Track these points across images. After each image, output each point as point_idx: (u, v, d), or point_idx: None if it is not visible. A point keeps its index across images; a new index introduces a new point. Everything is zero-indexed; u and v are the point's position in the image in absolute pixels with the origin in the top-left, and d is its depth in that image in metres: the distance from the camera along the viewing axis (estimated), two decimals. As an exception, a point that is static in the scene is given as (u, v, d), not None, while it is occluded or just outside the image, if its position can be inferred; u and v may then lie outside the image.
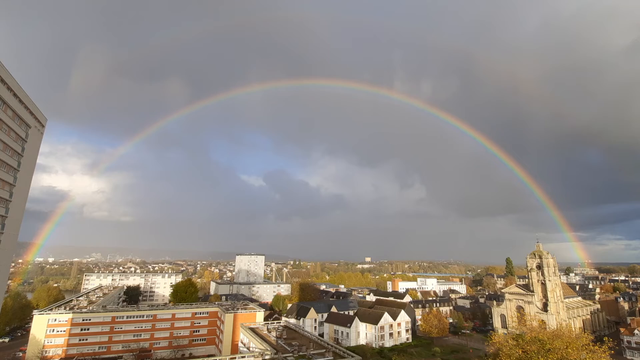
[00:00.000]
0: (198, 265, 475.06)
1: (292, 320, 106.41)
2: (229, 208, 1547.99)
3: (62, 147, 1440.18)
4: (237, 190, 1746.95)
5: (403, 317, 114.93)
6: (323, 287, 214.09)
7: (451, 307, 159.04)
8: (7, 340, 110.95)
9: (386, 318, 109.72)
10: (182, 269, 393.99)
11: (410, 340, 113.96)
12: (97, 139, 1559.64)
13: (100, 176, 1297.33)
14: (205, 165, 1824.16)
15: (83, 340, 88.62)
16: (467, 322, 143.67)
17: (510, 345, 60.85)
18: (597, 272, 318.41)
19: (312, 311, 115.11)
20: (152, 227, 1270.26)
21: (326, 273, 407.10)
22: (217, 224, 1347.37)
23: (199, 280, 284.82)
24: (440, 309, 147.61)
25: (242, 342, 77.41)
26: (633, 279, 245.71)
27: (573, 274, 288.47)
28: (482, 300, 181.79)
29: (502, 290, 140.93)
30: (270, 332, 75.58)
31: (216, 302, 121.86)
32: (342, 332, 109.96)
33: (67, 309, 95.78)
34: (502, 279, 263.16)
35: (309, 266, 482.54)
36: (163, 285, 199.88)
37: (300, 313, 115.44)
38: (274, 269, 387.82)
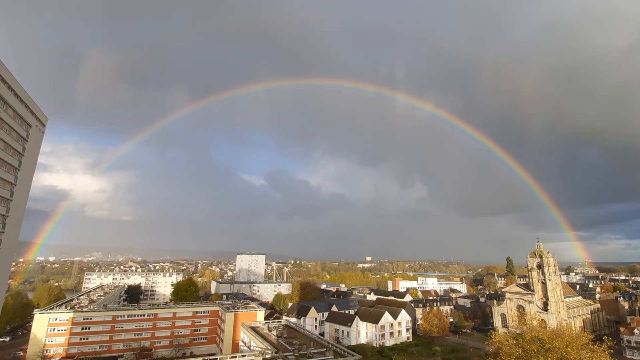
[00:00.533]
0: (199, 265, 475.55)
1: (293, 320, 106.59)
2: (230, 207, 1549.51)
3: (64, 146, 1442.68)
4: (238, 189, 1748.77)
5: (403, 316, 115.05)
6: (324, 286, 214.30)
7: (452, 307, 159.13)
8: (7, 339, 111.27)
9: (387, 317, 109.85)
10: (183, 268, 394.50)
11: (410, 339, 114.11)
12: (99, 138, 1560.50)
13: (102, 175, 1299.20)
14: (207, 165, 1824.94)
15: (84, 339, 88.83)
16: (468, 321, 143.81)
17: (510, 344, 60.93)
18: (597, 272, 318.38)
19: (312, 310, 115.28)
20: (153, 226, 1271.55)
21: (327, 272, 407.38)
22: (218, 223, 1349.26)
23: (199, 279, 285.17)
24: (441, 308, 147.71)
25: (242, 341, 77.56)
26: (633, 278, 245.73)
27: (573, 274, 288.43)
28: (482, 299, 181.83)
29: (503, 290, 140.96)
30: (271, 331, 75.71)
31: (217, 301, 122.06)
32: (342, 331, 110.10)
33: (68, 308, 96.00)
34: (502, 278, 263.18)
35: (309, 265, 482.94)
36: (164, 285, 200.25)
37: (301, 312, 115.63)
38: (274, 268, 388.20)
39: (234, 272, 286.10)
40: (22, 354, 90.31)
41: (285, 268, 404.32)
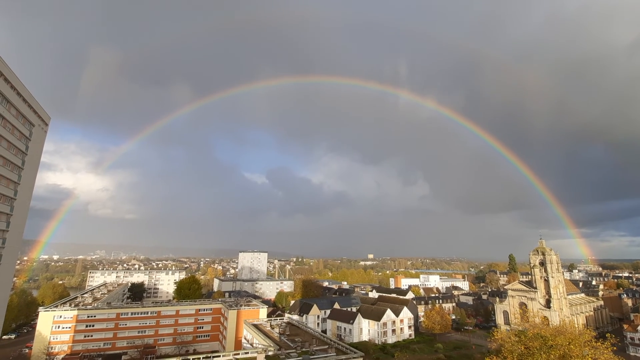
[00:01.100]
0: (201, 262, 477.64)
1: (295, 317, 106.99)
2: (232, 205, 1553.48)
3: (67, 145, 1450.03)
4: (240, 187, 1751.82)
5: (405, 313, 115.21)
6: (326, 283, 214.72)
7: (454, 304, 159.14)
8: (13, 336, 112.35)
9: (389, 314, 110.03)
10: (186, 266, 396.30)
11: (412, 336, 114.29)
12: (101, 137, 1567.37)
13: (105, 174, 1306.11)
14: (209, 163, 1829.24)
15: (88, 336, 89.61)
16: (470, 318, 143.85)
17: (512, 341, 60.82)
18: (600, 269, 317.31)
19: (315, 308, 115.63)
20: (156, 224, 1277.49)
21: (329, 270, 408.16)
22: (221, 221, 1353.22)
23: (202, 277, 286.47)
24: (443, 305, 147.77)
25: (245, 339, 77.98)
26: (637, 275, 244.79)
27: (576, 271, 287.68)
28: (484, 296, 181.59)
29: (505, 287, 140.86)
30: (273, 328, 76.06)
31: (219, 299, 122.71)
32: (344, 328, 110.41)
33: (72, 305, 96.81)
34: (505, 275, 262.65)
35: (311, 263, 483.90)
36: (167, 282, 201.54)
37: (303, 309, 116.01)
38: (276, 266, 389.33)
39: (237, 270, 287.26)
40: (27, 351, 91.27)
41: (287, 266, 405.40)
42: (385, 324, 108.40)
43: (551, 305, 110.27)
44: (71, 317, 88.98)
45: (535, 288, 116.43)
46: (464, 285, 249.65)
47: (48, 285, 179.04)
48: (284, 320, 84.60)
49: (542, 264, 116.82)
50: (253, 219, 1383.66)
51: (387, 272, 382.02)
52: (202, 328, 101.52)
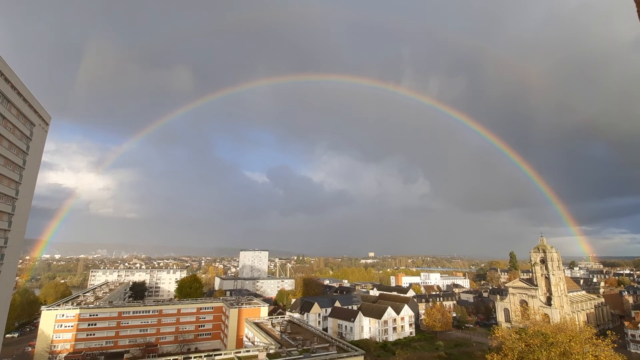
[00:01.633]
0: (202, 261, 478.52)
1: (296, 315, 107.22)
2: (233, 204, 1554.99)
3: (68, 145, 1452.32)
4: (240, 186, 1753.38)
5: (406, 311, 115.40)
6: (326, 282, 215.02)
7: (454, 302, 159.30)
8: (16, 335, 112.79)
9: (389, 312, 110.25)
10: (187, 264, 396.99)
11: (413, 334, 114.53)
12: (102, 136, 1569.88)
13: (106, 173, 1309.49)
14: (209, 162, 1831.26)
15: (90, 335, 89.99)
16: (471, 316, 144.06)
17: (513, 339, 60.97)
18: (601, 266, 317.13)
19: (315, 306, 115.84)
20: (157, 223, 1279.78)
21: (330, 268, 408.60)
22: (221, 220, 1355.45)
23: (203, 275, 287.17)
24: (444, 303, 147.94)
25: (246, 337, 78.27)
26: (638, 272, 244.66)
27: (577, 268, 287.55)
28: (485, 294, 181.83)
29: (506, 285, 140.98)
30: (274, 326, 76.31)
31: (221, 298, 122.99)
32: (345, 326, 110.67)
33: (75, 304, 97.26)
34: (505, 273, 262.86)
35: (312, 261, 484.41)
36: (168, 281, 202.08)
37: (304, 308, 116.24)
38: (277, 264, 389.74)
39: (238, 268, 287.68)
40: (30, 349, 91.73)
41: (288, 264, 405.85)
42: (386, 322, 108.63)
43: (552, 302, 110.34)
44: (73, 316, 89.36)
45: (536, 285, 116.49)
46: (465, 283, 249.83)
47: (50, 285, 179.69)
48: (285, 319, 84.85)
49: (543, 261, 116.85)
50: (254, 218, 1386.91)
51: (388, 270, 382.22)
52: (204, 326, 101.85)
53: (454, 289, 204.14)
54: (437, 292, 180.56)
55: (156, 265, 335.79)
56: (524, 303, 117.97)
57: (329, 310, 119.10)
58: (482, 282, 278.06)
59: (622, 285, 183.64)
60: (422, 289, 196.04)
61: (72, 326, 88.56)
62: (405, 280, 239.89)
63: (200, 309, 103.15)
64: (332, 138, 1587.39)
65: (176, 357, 53.48)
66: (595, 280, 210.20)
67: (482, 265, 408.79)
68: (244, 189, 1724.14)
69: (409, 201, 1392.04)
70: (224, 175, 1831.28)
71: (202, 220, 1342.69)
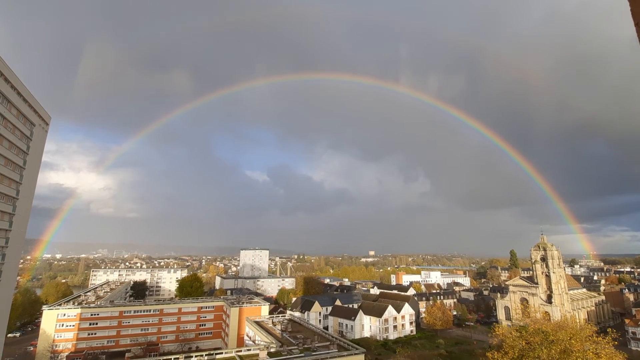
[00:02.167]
0: (203, 260, 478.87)
1: (297, 314, 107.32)
2: (234, 203, 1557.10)
3: (68, 144, 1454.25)
4: (241, 185, 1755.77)
5: (407, 309, 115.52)
6: (327, 280, 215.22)
7: (455, 300, 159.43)
8: (17, 335, 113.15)
9: (390, 311, 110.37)
10: (188, 264, 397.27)
11: (414, 332, 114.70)
12: (103, 136, 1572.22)
13: (106, 173, 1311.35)
14: (210, 161, 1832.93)
15: (92, 334, 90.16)
16: (471, 314, 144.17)
17: (513, 336, 61.03)
18: (602, 264, 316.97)
19: (316, 304, 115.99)
20: (158, 223, 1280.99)
21: (330, 267, 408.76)
22: (222, 219, 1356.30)
23: (204, 275, 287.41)
24: (444, 301, 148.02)
25: (247, 336, 78.43)
26: (638, 270, 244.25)
27: (578, 266, 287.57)
28: (486, 292, 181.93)
29: (506, 283, 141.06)
30: (275, 325, 76.42)
31: (221, 297, 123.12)
32: (346, 325, 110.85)
33: (76, 304, 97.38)
34: (506, 271, 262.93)
35: (313, 260, 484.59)
36: (169, 280, 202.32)
37: (305, 306, 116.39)
38: (278, 263, 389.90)
39: (238, 267, 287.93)
40: (32, 349, 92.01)
41: (288, 263, 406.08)
42: (386, 321, 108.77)
43: (552, 300, 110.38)
44: (75, 316, 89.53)
45: (537, 283, 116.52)
46: (465, 281, 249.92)
47: (51, 284, 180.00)
48: (286, 318, 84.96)
49: (544, 259, 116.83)
50: (254, 217, 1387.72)
51: (388, 268, 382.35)
52: (205, 325, 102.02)
53: (454, 287, 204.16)
54: (438, 291, 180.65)
55: (157, 265, 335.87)
56: (524, 301, 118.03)
57: (330, 309, 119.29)
58: (483, 280, 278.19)
59: (622, 283, 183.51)
60: (423, 287, 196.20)
61: (73, 325, 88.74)
62: (406, 279, 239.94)
63: (201, 308, 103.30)
64: (333, 137, 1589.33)
65: (177, 356, 53.60)
66: (595, 278, 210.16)
67: (483, 263, 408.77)
68: (244, 188, 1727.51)
69: (409, 199, 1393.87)
70: (224, 174, 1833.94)
71: (203, 220, 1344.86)
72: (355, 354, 54.18)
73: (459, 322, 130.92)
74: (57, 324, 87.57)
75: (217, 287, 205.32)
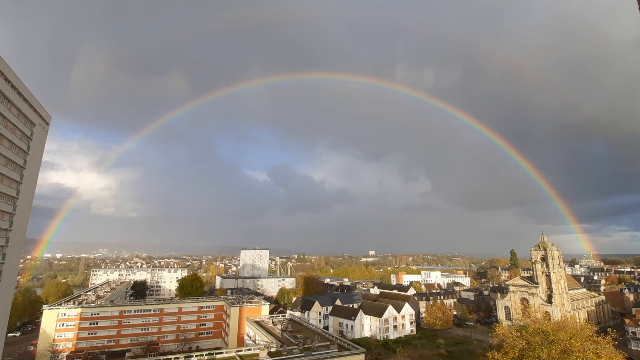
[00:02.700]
0: (203, 260, 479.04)
1: (297, 314, 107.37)
2: (234, 203, 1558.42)
3: (69, 144, 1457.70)
4: (241, 185, 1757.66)
5: (407, 309, 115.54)
6: (327, 280, 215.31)
7: (455, 300, 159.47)
8: (18, 334, 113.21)
9: (390, 311, 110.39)
10: (188, 263, 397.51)
11: (414, 332, 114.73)
12: (103, 136, 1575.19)
13: (107, 173, 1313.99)
14: (210, 161, 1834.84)
15: (92, 334, 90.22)
16: (471, 314, 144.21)
17: (514, 336, 60.99)
18: (602, 264, 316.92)
19: (316, 304, 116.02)
20: (158, 222, 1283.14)
21: (330, 267, 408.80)
22: (222, 219, 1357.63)
23: (204, 274, 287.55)
24: (444, 301, 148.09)
25: (247, 335, 78.45)
26: (639, 270, 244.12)
27: (578, 266, 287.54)
28: (486, 292, 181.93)
29: (507, 283, 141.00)
30: (275, 325, 76.43)
31: (222, 296, 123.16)
32: (346, 324, 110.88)
33: (76, 303, 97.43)
34: (506, 271, 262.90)
35: (313, 260, 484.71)
36: (169, 280, 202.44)
37: (305, 306, 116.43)
38: (278, 263, 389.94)
39: (238, 267, 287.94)
40: (32, 348, 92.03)
41: (289, 263, 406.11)
42: (386, 320, 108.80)
43: (553, 300, 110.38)
44: (75, 315, 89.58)
45: (537, 283, 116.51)
46: (466, 281, 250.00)
47: (52, 284, 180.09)
48: (286, 317, 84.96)
49: (544, 259, 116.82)
50: (255, 217, 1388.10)
51: (389, 268, 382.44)
52: (205, 325, 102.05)
53: (454, 287, 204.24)
54: (438, 290, 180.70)
55: (157, 264, 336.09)
56: (524, 301, 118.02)
57: (330, 308, 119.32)
58: (483, 280, 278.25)
59: (622, 283, 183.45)
60: (423, 287, 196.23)
61: (73, 325, 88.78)
62: (406, 279, 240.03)
63: (202, 307, 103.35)
64: (333, 137, 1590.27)
65: (177, 356, 53.60)
66: (596, 278, 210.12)
67: (483, 263, 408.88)
68: (244, 187, 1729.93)
69: (409, 199, 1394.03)
70: (224, 174, 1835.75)
71: (203, 219, 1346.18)
72: (356, 353, 54.17)
73: (459, 322, 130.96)
74: (58, 324, 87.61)
75: (218, 286, 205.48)
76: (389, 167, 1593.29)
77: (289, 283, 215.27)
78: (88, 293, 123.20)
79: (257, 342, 67.75)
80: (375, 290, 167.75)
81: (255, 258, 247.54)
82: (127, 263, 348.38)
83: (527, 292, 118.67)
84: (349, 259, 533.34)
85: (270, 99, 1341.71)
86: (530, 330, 61.60)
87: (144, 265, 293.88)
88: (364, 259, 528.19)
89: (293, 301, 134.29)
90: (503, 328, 70.37)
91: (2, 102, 50.58)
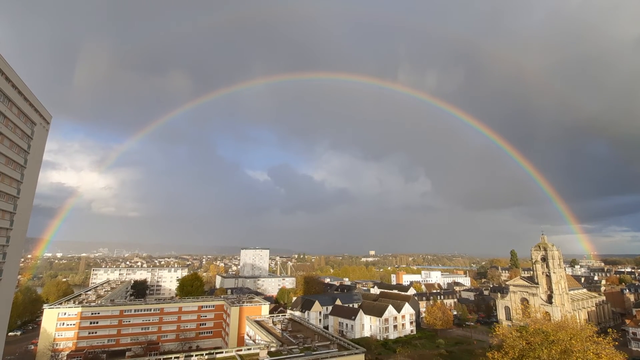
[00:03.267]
0: (204, 260, 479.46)
1: (297, 313, 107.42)
2: (234, 203, 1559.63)
3: (70, 144, 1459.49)
4: (242, 185, 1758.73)
5: (407, 309, 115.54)
6: (327, 280, 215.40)
7: (455, 300, 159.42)
8: (18, 333, 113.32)
9: (390, 310, 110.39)
10: (188, 263, 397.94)
11: (414, 332, 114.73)
12: (104, 135, 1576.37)
13: (108, 172, 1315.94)
14: (211, 160, 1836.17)
15: (92, 333, 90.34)
16: (471, 314, 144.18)
17: (514, 336, 60.95)
18: (602, 264, 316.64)
19: (316, 304, 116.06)
20: (158, 222, 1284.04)
21: (330, 266, 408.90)
22: (223, 218, 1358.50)
23: (204, 274, 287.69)
24: (445, 301, 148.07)
25: (248, 335, 78.49)
26: (639, 270, 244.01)
27: (578, 266, 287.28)
28: (486, 292, 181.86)
29: (507, 283, 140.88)
30: (275, 324, 76.47)
31: (222, 296, 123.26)
32: (346, 324, 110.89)
33: (77, 303, 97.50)
34: (506, 271, 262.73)
35: (313, 260, 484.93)
36: (169, 279, 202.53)
37: (305, 306, 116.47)
38: (278, 262, 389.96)
39: (239, 266, 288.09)
40: (33, 347, 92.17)
41: (289, 262, 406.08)
42: (386, 320, 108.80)
43: (553, 300, 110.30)
44: (75, 314, 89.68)
45: (537, 284, 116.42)
46: (466, 281, 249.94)
47: (52, 283, 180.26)
48: (286, 317, 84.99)
49: (544, 259, 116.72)
50: (255, 216, 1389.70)
51: (389, 268, 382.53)
52: (205, 325, 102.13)
53: (454, 287, 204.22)
54: (438, 290, 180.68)
55: (157, 264, 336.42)
56: (524, 301, 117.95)
57: (330, 308, 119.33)
58: (483, 280, 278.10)
59: (623, 283, 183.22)
60: (423, 287, 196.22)
61: (74, 324, 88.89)
62: (406, 279, 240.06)
63: (202, 307, 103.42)
64: (333, 136, 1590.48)
65: (178, 355, 53.65)
66: (596, 278, 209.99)
67: (483, 263, 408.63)
68: (245, 187, 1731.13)
69: (410, 199, 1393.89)
70: (225, 173, 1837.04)
71: (204, 219, 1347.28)
72: (356, 353, 54.18)
73: (459, 322, 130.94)
74: (58, 323, 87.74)
75: (218, 286, 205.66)
76: (390, 167, 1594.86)
77: (289, 283, 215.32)
78: (88, 292, 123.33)
79: (257, 341, 67.78)
80: (375, 290, 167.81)
81: (255, 258, 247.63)
82: (128, 262, 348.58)
83: (527, 292, 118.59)
84: (349, 258, 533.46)
85: (271, 98, 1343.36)
86: (531, 330, 61.55)
87: (144, 265, 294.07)
88: (364, 259, 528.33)
89: (293, 301, 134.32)
90: (503, 328, 70.33)
91: (2, 101, 50.61)
